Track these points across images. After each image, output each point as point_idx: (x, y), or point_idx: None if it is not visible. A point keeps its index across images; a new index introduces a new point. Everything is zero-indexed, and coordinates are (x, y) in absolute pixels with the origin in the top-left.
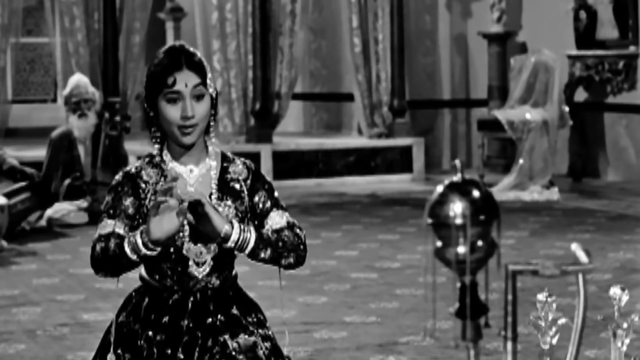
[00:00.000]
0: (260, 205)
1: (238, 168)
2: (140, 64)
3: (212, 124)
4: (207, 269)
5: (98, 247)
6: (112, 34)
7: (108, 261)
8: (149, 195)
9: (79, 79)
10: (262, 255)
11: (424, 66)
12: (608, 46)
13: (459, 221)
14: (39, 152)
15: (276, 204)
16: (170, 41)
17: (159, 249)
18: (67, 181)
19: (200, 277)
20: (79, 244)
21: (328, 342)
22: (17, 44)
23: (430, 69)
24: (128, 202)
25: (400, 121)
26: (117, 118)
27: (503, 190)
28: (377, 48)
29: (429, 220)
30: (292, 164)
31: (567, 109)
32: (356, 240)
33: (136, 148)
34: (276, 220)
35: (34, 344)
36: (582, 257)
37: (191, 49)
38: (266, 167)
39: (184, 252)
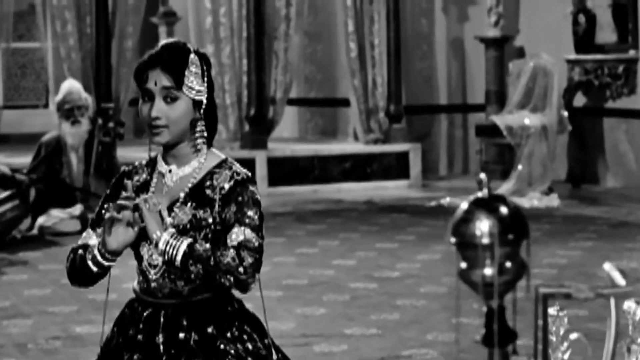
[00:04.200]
0: (227, 219)
1: (222, 176)
2: (133, 69)
3: (198, 129)
4: (159, 273)
5: (68, 261)
6: (104, 39)
7: (76, 273)
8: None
9: (71, 85)
10: (193, 269)
11: (421, 71)
12: (607, 50)
13: (485, 241)
14: (30, 159)
15: (240, 220)
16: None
17: (117, 258)
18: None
19: (152, 279)
20: None
21: (328, 356)
22: (8, 48)
23: (426, 74)
24: (111, 208)
25: (396, 127)
26: (111, 124)
27: None
28: (373, 52)
29: (453, 240)
30: (287, 171)
31: (566, 114)
32: (354, 249)
33: (130, 155)
34: (232, 237)
35: (25, 359)
36: (618, 278)
37: (184, 48)
38: (261, 174)
39: (140, 251)
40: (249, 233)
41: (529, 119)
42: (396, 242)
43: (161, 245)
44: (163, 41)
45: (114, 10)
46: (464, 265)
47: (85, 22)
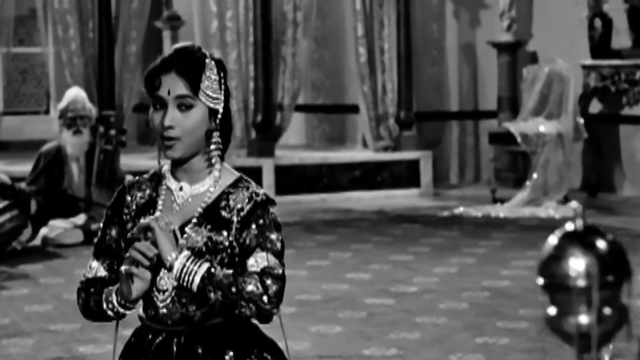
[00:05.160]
0: (246, 243)
1: (240, 197)
2: (137, 75)
3: (214, 140)
4: (169, 299)
5: (80, 300)
6: (107, 44)
7: (92, 314)
8: (131, 211)
9: (77, 94)
10: (212, 297)
11: (431, 76)
12: (624, 56)
13: (581, 283)
14: (31, 167)
15: (262, 245)
16: (167, 51)
17: (137, 305)
18: (30, 188)
19: (161, 305)
20: (73, 266)
21: None
22: (9, 54)
23: (437, 80)
24: (114, 232)
25: (407, 134)
26: (112, 132)
27: (517, 206)
28: (383, 57)
29: (541, 281)
30: (295, 179)
31: (582, 121)
32: (367, 262)
33: (133, 163)
34: (252, 263)
35: None
36: None
37: (199, 53)
38: (268, 182)
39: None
40: (272, 259)
41: (544, 126)
42: (411, 254)
43: (177, 269)
44: (176, 45)
45: (117, 15)
46: (552, 311)
47: (87, 27)
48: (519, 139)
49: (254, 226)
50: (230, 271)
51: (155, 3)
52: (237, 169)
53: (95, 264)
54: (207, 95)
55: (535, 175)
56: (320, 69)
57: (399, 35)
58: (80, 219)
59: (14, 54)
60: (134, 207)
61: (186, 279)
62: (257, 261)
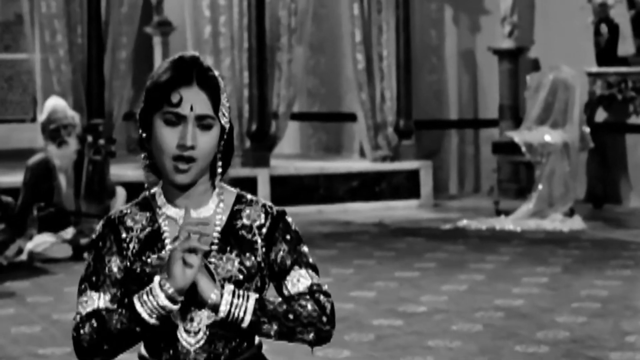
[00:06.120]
0: (279, 262)
1: (253, 212)
2: (127, 82)
3: (219, 163)
4: (202, 341)
5: (85, 336)
6: (96, 50)
7: (100, 343)
8: (132, 247)
9: (56, 103)
10: (267, 330)
11: (430, 84)
12: (631, 63)
13: None
14: (18, 177)
15: (298, 261)
16: (158, 58)
17: (181, 300)
18: (35, 212)
19: (192, 349)
20: (62, 283)
21: None
22: None
23: (436, 87)
24: (113, 263)
25: (406, 143)
26: (101, 141)
27: (522, 218)
28: (382, 64)
29: None
30: (291, 190)
31: (588, 130)
32: (372, 278)
33: (123, 173)
34: (295, 282)
35: None
36: None
37: (206, 64)
38: (263, 193)
39: (172, 316)
40: (314, 274)
41: (549, 136)
42: (416, 271)
43: (224, 310)
44: (182, 54)
45: (106, 20)
46: None
47: (76, 32)
48: (523, 149)
49: (282, 242)
50: (279, 299)
51: (145, 8)
52: (231, 179)
53: (94, 295)
54: (223, 114)
55: (540, 186)
56: (316, 76)
57: (398, 41)
58: (69, 233)
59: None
60: (134, 241)
61: (236, 316)
62: (299, 280)
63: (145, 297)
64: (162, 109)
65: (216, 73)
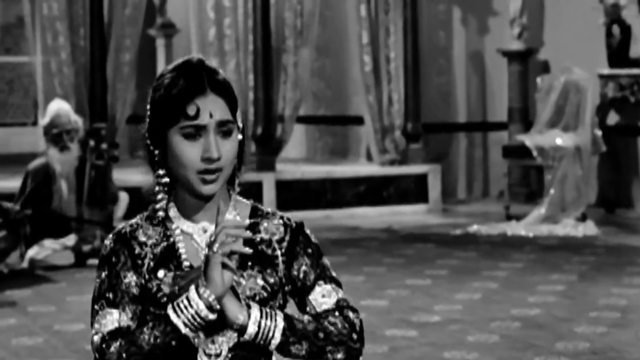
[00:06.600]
0: (301, 277)
1: (272, 225)
2: (131, 85)
3: (238, 171)
4: None
5: (112, 355)
6: (99, 52)
7: None
8: (146, 263)
9: (59, 107)
10: (297, 351)
11: (438, 86)
12: None
13: None
14: (18, 182)
15: (322, 276)
16: (161, 60)
17: (218, 308)
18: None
19: None
20: (64, 292)
21: None
22: None
23: (444, 90)
24: (129, 278)
25: (414, 147)
26: (104, 146)
27: (534, 223)
28: (389, 67)
29: None
30: (297, 194)
31: (600, 133)
32: (382, 286)
33: (126, 178)
34: (321, 299)
35: None
36: None
37: (212, 65)
38: (269, 198)
39: (192, 338)
40: (339, 290)
41: (561, 139)
42: (428, 278)
43: (252, 332)
44: (180, 60)
45: (109, 21)
46: None
47: (78, 34)
48: (534, 153)
49: (304, 257)
50: (306, 317)
51: (148, 10)
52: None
53: (114, 312)
54: (239, 117)
55: (552, 191)
56: (322, 79)
57: (406, 43)
58: (71, 239)
59: (0, 63)
60: (148, 257)
61: (265, 337)
62: (325, 295)
63: (182, 306)
64: (178, 124)
65: (222, 74)
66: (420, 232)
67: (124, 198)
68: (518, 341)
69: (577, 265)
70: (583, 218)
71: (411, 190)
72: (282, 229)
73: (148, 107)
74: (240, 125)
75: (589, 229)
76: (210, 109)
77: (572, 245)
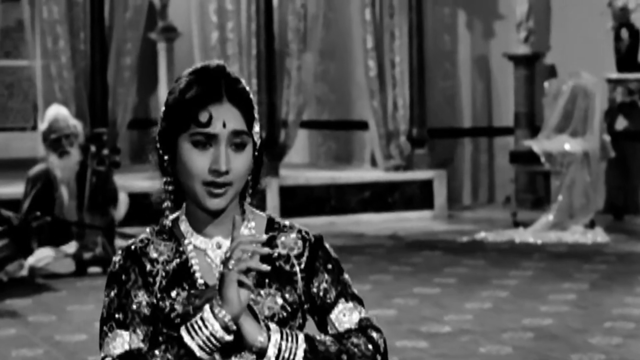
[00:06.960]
0: (321, 295)
1: (289, 240)
2: (132, 89)
3: (251, 184)
4: None
5: None
6: (100, 56)
7: None
8: (158, 281)
9: (57, 112)
10: None
11: (443, 91)
12: None
13: None
14: (18, 188)
15: (343, 293)
16: (162, 64)
17: (234, 329)
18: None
19: None
20: (65, 301)
21: None
22: None
23: (449, 94)
24: (140, 298)
25: (419, 152)
26: (105, 151)
27: (542, 230)
28: (394, 71)
29: None
30: (301, 201)
31: (608, 138)
32: (390, 295)
33: (128, 184)
34: (342, 318)
35: None
36: None
37: (233, 74)
38: (272, 204)
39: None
40: (361, 308)
41: (569, 145)
42: (436, 287)
43: (272, 355)
44: (205, 64)
45: (110, 25)
46: None
47: (78, 38)
48: (542, 159)
49: (324, 273)
50: (328, 337)
51: (150, 14)
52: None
53: (124, 334)
54: (256, 129)
55: (560, 197)
56: (325, 83)
57: (411, 47)
58: (72, 247)
59: (0, 67)
60: (160, 275)
61: (287, 358)
62: (346, 314)
63: (196, 327)
64: (189, 130)
65: (243, 83)
66: (426, 239)
67: (123, 199)
68: (532, 353)
69: (588, 274)
70: (592, 225)
71: (416, 196)
72: (300, 243)
73: (162, 109)
74: (258, 141)
75: (599, 236)
76: (224, 118)
77: (582, 252)
